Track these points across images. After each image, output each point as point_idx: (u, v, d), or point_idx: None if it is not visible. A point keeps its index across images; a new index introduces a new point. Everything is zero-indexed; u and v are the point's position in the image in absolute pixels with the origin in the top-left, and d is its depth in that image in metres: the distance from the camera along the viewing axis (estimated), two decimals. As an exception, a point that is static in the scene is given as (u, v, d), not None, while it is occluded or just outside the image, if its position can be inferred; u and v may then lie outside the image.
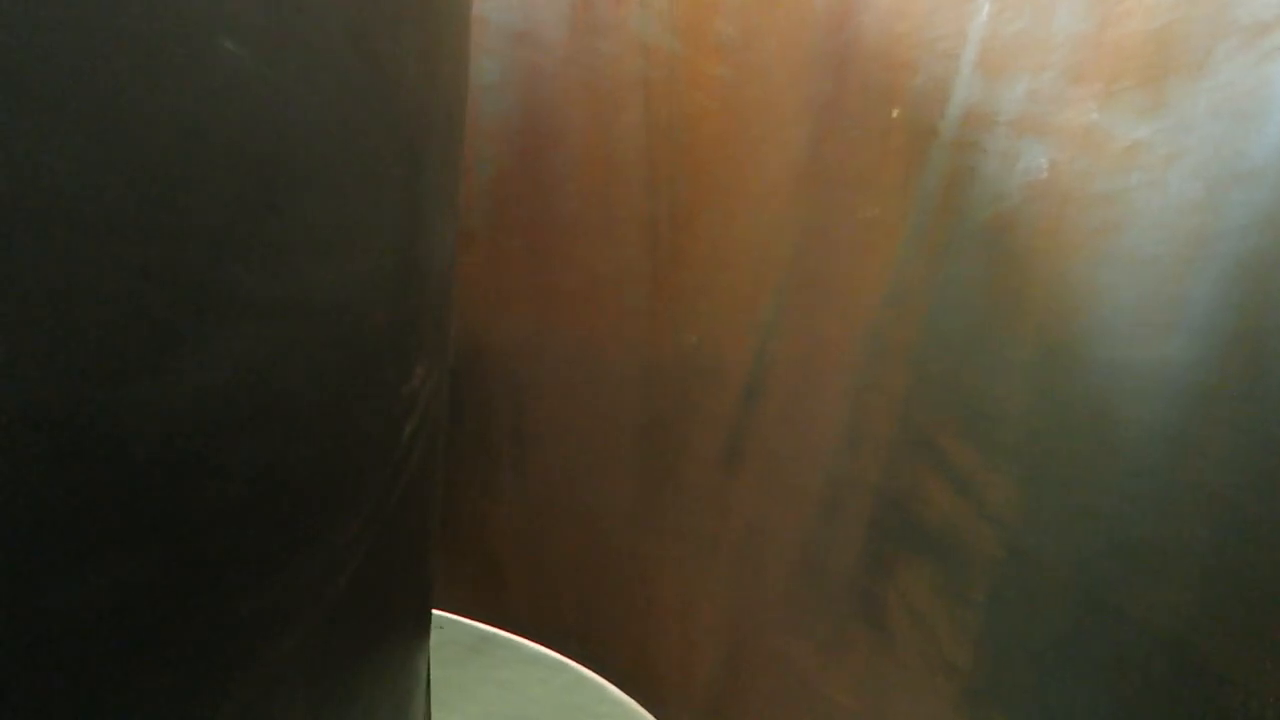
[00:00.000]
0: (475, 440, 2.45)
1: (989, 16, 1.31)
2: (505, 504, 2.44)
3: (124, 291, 0.49)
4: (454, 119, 0.98)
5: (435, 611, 2.54)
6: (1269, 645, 0.90)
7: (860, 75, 1.56)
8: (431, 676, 2.23)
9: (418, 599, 1.11)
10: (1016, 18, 1.26)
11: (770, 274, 1.79)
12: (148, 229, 0.50)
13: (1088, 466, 1.12)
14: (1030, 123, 1.24)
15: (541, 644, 2.42)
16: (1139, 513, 1.05)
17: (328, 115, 0.63)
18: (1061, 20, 1.20)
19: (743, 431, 1.87)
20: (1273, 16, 0.95)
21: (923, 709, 1.39)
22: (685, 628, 2.08)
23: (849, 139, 1.59)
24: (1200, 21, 1.02)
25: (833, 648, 1.61)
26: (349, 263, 0.68)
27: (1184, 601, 0.99)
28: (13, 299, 0.45)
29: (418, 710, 1.19)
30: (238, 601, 0.59)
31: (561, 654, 2.39)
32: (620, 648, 2.26)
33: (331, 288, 0.66)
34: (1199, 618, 0.97)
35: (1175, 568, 1.00)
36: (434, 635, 2.45)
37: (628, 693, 2.24)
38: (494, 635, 2.48)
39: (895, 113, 1.50)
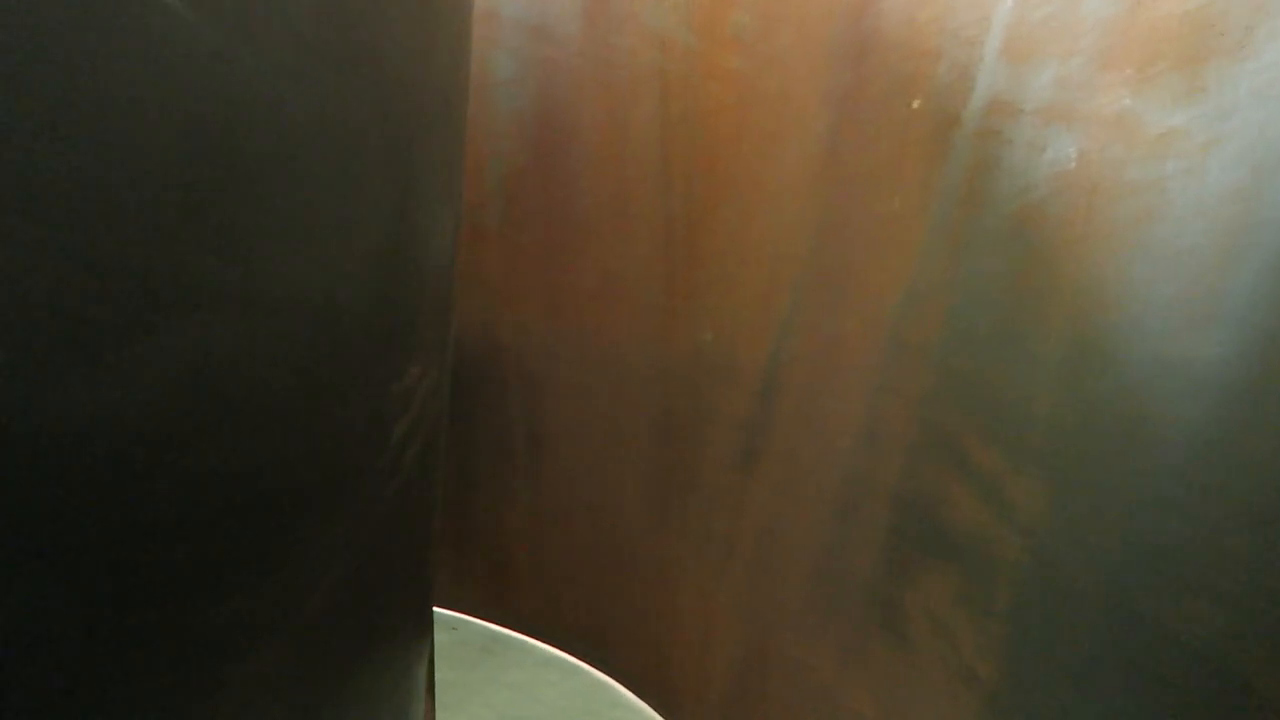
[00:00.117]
0: (488, 440, 2.43)
1: (1014, 2, 1.27)
2: (518, 503, 2.42)
3: (62, 282, 0.46)
4: (453, 108, 0.94)
5: (447, 612, 2.53)
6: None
7: (880, 65, 1.52)
8: (442, 678, 2.21)
9: (417, 600, 1.08)
10: (1044, 2, 1.22)
11: (787, 270, 1.75)
12: (84, 215, 0.46)
13: (1118, 470, 1.07)
14: (1058, 111, 1.19)
15: (554, 646, 2.40)
16: (1172, 519, 1.00)
17: (301, 97, 0.60)
18: (1091, 3, 1.15)
19: (759, 431, 1.83)
20: (1319, -8, 0.89)
21: (944, 719, 1.35)
22: (700, 631, 2.04)
23: (869, 131, 1.54)
24: (1240, 0, 0.97)
25: (851, 654, 1.57)
26: (325, 255, 0.64)
27: (1218, 613, 0.94)
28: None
29: (419, 711, 1.17)
30: (205, 610, 0.56)
31: (575, 656, 2.37)
32: (634, 651, 2.23)
33: (304, 280, 0.62)
34: (1233, 630, 0.93)
35: (1209, 577, 0.96)
36: (446, 636, 2.45)
37: (641, 697, 2.21)
38: (506, 637, 2.46)
39: (916, 103, 1.45)
